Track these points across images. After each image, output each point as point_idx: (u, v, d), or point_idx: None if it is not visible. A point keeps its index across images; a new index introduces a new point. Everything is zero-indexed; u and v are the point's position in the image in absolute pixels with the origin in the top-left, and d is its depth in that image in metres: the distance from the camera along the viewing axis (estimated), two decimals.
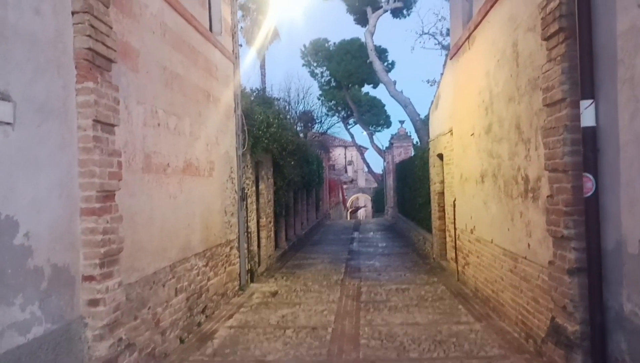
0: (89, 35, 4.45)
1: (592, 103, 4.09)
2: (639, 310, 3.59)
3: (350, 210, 51.76)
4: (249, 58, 16.12)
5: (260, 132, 11.27)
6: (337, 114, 39.54)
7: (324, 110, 37.56)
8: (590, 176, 4.11)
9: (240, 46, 10.55)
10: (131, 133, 5.48)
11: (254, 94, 12.67)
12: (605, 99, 4.01)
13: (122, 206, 4.98)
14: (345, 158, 58.30)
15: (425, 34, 24.58)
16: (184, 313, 6.85)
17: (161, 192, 6.28)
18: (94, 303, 4.46)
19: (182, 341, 6.69)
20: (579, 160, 4.30)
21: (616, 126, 3.86)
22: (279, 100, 14.90)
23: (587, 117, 4.11)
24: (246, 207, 10.39)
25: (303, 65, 37.64)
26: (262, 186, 12.34)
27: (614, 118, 3.88)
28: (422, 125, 22.88)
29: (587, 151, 4.15)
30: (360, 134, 48.70)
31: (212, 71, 8.68)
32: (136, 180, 5.57)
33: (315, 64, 37.37)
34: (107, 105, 4.69)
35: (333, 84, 36.83)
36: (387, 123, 40.79)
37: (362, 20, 28.43)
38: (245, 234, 10.28)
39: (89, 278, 4.45)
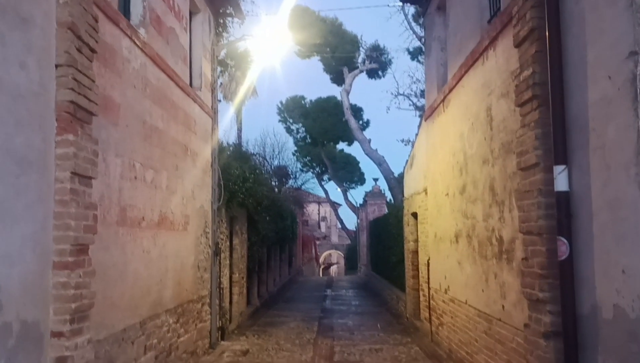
0: (72, 89, 4.47)
1: (565, 169, 4.21)
2: None
3: (323, 267, 51.37)
4: (226, 113, 16.28)
5: (236, 186, 11.27)
6: (311, 170, 39.75)
7: (299, 166, 37.79)
8: (565, 240, 4.18)
9: (219, 101, 10.67)
10: (108, 186, 5.43)
11: (231, 148, 12.73)
12: (578, 165, 4.14)
13: (95, 260, 4.89)
14: (319, 213, 58.27)
15: (400, 95, 25.15)
16: None
17: (135, 246, 6.19)
18: (61, 360, 4.30)
19: None
20: (553, 224, 4.38)
21: (589, 192, 3.96)
22: (255, 155, 14.97)
23: (561, 182, 4.22)
24: (219, 262, 10.27)
25: (279, 121, 38.05)
26: (236, 241, 12.24)
27: (587, 184, 3.99)
28: (396, 183, 23.14)
29: (561, 215, 4.23)
30: (334, 190, 48.87)
31: (191, 126, 8.73)
32: (111, 234, 5.50)
33: (291, 121, 37.79)
34: (86, 158, 4.67)
35: (308, 140, 37.18)
36: (361, 180, 41.07)
37: (338, 79, 29.07)
38: (218, 290, 10.12)
39: (58, 335, 4.31)
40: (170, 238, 7.51)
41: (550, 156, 4.43)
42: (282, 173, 31.15)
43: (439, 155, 9.63)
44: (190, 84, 8.91)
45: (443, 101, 9.13)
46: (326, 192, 43.89)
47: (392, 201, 24.85)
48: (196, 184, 8.94)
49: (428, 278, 10.75)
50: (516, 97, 5.06)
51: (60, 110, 4.43)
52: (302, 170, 38.50)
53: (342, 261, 51.56)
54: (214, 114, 10.15)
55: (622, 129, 3.54)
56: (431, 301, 10.45)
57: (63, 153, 4.42)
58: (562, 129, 4.27)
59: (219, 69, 11.93)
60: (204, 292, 9.27)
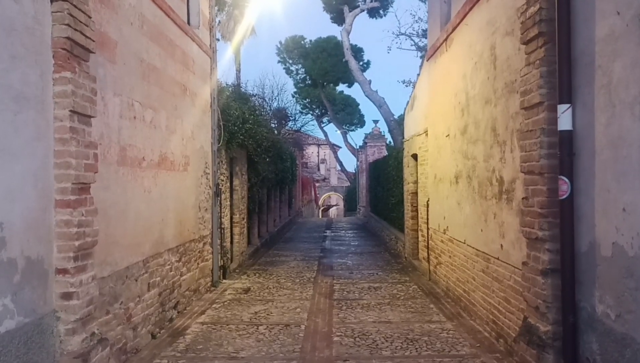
0: (68, 24, 4.38)
1: (569, 107, 4.17)
2: (611, 311, 3.67)
3: (322, 208, 51.80)
4: (225, 53, 16.03)
5: (236, 128, 11.21)
6: (311, 112, 39.56)
7: (299, 108, 37.57)
8: (566, 179, 4.18)
9: (217, 40, 10.48)
10: (107, 125, 5.40)
11: (230, 89, 12.59)
12: (582, 104, 4.09)
13: (96, 199, 4.91)
14: (319, 156, 58.32)
15: (402, 34, 24.76)
16: (156, 309, 6.77)
17: (136, 186, 6.20)
18: (67, 296, 4.38)
19: (154, 337, 6.62)
20: (555, 163, 4.38)
21: (592, 130, 3.94)
22: (254, 96, 14.82)
23: (564, 121, 4.19)
24: (220, 203, 10.33)
25: (278, 62, 37.60)
26: (236, 182, 12.28)
27: (591, 123, 3.96)
28: (396, 125, 23.04)
29: (564, 154, 4.22)
30: (334, 132, 48.80)
31: (189, 65, 8.60)
32: (111, 173, 5.49)
33: (290, 61, 37.32)
34: (85, 96, 4.62)
35: (308, 81, 36.85)
36: (361, 123, 40.96)
37: (338, 18, 28.48)
38: (219, 230, 10.23)
39: (63, 271, 4.37)
40: (171, 179, 7.53)
41: (554, 95, 4.38)
42: (282, 115, 30.94)
43: (441, 96, 9.53)
44: (188, 22, 8.72)
45: (446, 40, 8.97)
46: (326, 134, 43.85)
47: (392, 144, 24.82)
48: (195, 124, 8.88)
49: (427, 219, 10.84)
50: (522, 35, 4.95)
51: (56, 46, 4.35)
52: (301, 112, 38.36)
53: (341, 203, 51.97)
54: (212, 54, 9.99)
55: (629, 66, 3.48)
56: (430, 242, 10.58)
57: (61, 90, 4.37)
58: (567, 67, 4.20)
59: (216, 7, 11.65)
60: (205, 232, 9.37)
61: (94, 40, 4.83)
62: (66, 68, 4.39)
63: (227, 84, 12.84)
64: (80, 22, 4.58)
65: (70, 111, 4.40)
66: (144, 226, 6.46)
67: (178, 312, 7.68)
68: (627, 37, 3.50)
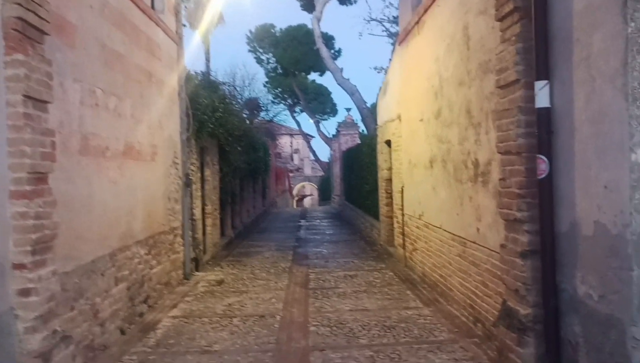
0: (19, 4, 4.11)
1: (547, 84, 4.04)
2: (593, 292, 3.57)
3: (296, 198, 51.60)
4: (193, 42, 15.63)
5: (206, 116, 10.93)
6: (283, 101, 39.22)
7: (271, 97, 37.20)
8: (544, 158, 4.06)
9: (184, 25, 10.17)
10: (67, 113, 5.12)
11: (199, 77, 12.27)
12: (560, 80, 3.97)
13: (58, 191, 4.68)
14: (292, 146, 58.01)
15: (373, 20, 24.50)
16: (124, 304, 6.53)
17: (101, 177, 5.94)
18: (25, 293, 4.14)
19: (123, 332, 6.38)
20: (532, 142, 4.25)
21: (571, 107, 3.81)
22: (224, 84, 14.49)
23: (542, 98, 4.06)
24: (191, 194, 10.08)
25: (249, 51, 37.06)
26: (207, 172, 12.01)
27: (569, 99, 3.83)
28: (369, 113, 22.90)
29: (542, 132, 4.10)
30: (306, 122, 48.49)
31: (155, 51, 8.31)
32: (73, 163, 5.23)
33: (261, 50, 36.85)
34: (39, 80, 4.35)
35: (279, 71, 36.44)
36: (334, 111, 40.77)
37: (308, 6, 28.11)
38: (190, 221, 9.97)
39: (20, 267, 4.12)
40: (138, 169, 7.26)
41: (531, 72, 4.25)
42: (254, 105, 30.58)
43: (413, 80, 9.40)
44: (152, 6, 8.42)
45: (418, 22, 8.82)
46: (298, 124, 43.61)
47: (365, 132, 24.68)
48: (163, 113, 8.60)
49: (402, 205, 10.74)
50: (496, 12, 4.80)
51: (7, 27, 4.09)
52: (273, 102, 37.99)
53: (315, 193, 51.82)
54: (179, 40, 9.69)
55: (608, 37, 3.35)
56: (405, 228, 10.48)
57: (13, 74, 4.10)
58: (544, 43, 4.07)
59: None
60: (175, 223, 9.11)
61: (48, 22, 4.56)
62: (18, 50, 4.12)
63: (196, 72, 12.52)
64: (34, 1, 4.30)
65: (24, 95, 4.14)
66: (111, 218, 6.20)
67: (149, 306, 7.44)
68: (606, 8, 3.38)
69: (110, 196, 6.18)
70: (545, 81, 4.05)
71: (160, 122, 8.42)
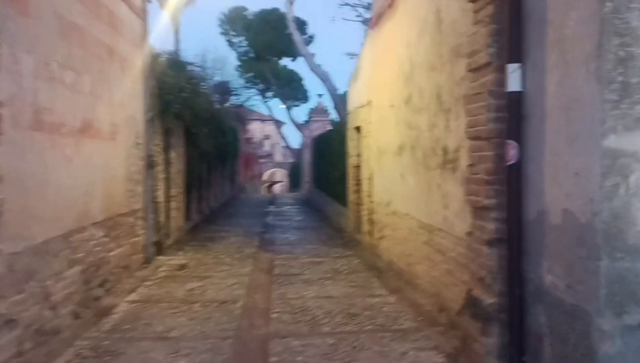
0: None
1: (519, 67, 3.91)
2: (560, 282, 3.47)
3: (266, 184, 51.31)
4: (162, 20, 15.22)
5: (172, 97, 10.60)
6: (255, 86, 38.74)
7: (242, 82, 36.69)
8: (514, 143, 3.95)
9: (149, 1, 9.81)
10: (18, 85, 4.84)
11: (166, 56, 11.91)
12: (533, 63, 3.84)
13: (6, 167, 4.43)
14: (263, 132, 57.58)
15: (346, 4, 24.22)
16: (79, 287, 6.27)
17: (55, 154, 5.65)
18: None
19: (77, 316, 6.12)
20: (503, 127, 4.13)
21: (543, 91, 3.69)
22: (192, 64, 14.13)
23: (513, 82, 3.93)
24: (154, 176, 9.79)
25: (221, 33, 36.49)
26: (172, 154, 11.70)
27: (542, 83, 3.71)
28: (341, 100, 22.72)
29: (512, 117, 3.98)
30: (278, 108, 48.10)
31: (118, 27, 7.97)
32: (25, 138, 4.96)
33: (233, 33, 36.30)
34: None
35: (251, 55, 36.00)
36: (305, 98, 40.47)
37: None
38: (153, 204, 9.69)
39: None
40: (97, 148, 6.97)
41: (503, 55, 4.11)
42: (224, 89, 30.11)
43: (385, 65, 9.25)
44: None
45: (391, 6, 8.66)
46: (270, 110, 43.23)
47: (337, 119, 24.52)
48: (125, 91, 8.28)
49: (370, 192, 10.63)
50: None
51: None
52: (245, 87, 37.48)
53: (286, 179, 51.59)
54: (144, 16, 9.34)
55: (583, 19, 3.23)
56: (373, 215, 10.38)
57: None
58: (517, 24, 3.93)
59: None
60: (137, 206, 8.83)
61: None
62: None
63: (163, 51, 12.15)
64: None
65: None
66: (66, 197, 5.93)
67: (106, 290, 7.18)
68: None
69: (65, 175, 5.90)
70: (518, 64, 3.93)
71: (122, 101, 8.11)
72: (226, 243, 11.98)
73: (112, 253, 7.48)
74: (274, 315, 6.35)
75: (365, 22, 22.82)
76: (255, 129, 54.08)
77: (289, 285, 7.83)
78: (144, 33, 9.36)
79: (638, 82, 3.05)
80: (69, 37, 6.08)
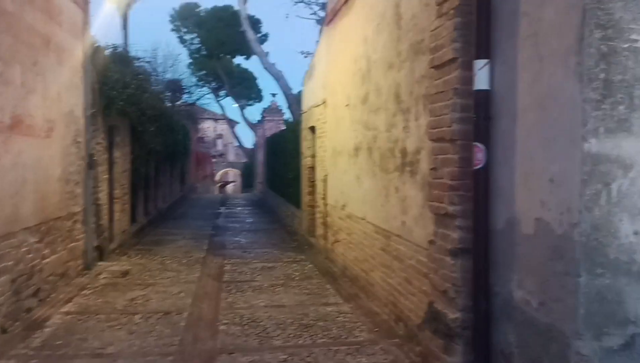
0: None
1: (487, 63, 3.63)
2: (532, 298, 3.18)
3: (219, 185, 50.42)
4: (106, 12, 14.54)
5: (115, 92, 9.98)
6: (207, 84, 37.91)
7: (194, 80, 35.81)
8: (481, 146, 3.65)
9: None
10: None
11: (110, 50, 11.28)
12: (503, 59, 3.55)
13: None
14: (215, 131, 56.59)
15: (300, 2, 23.84)
16: (7, 298, 5.70)
17: None
18: None
19: (4, 331, 5.56)
20: (469, 128, 3.84)
21: (514, 89, 3.40)
22: (140, 60, 13.47)
23: (481, 79, 3.64)
24: (95, 176, 9.18)
25: (172, 30, 35.55)
26: (117, 153, 11.07)
27: (513, 81, 3.42)
28: (295, 100, 22.34)
29: (479, 117, 3.68)
30: (231, 107, 47.25)
31: (55, 15, 7.38)
32: None
33: (185, 30, 35.42)
34: None
35: (204, 52, 35.16)
36: (259, 97, 39.89)
37: None
38: (94, 206, 9.09)
39: None
40: (29, 146, 6.39)
41: (469, 50, 3.83)
42: (175, 87, 29.29)
43: (340, 63, 8.92)
44: None
45: (347, 1, 8.33)
46: (223, 109, 42.44)
47: (291, 118, 24.11)
48: (63, 85, 7.69)
49: (325, 194, 10.29)
50: None
51: None
52: (197, 85, 36.62)
53: (238, 180, 50.83)
54: (84, 5, 8.74)
55: (562, 10, 2.95)
56: (327, 218, 10.04)
57: None
58: (486, 17, 3.64)
59: None
60: (76, 209, 8.22)
61: None
62: None
63: (107, 45, 11.50)
64: None
65: None
66: None
67: (39, 301, 6.61)
68: None
69: None
70: (486, 60, 3.64)
71: (60, 95, 7.52)
72: (174, 247, 11.43)
73: (46, 260, 6.89)
74: (222, 327, 5.92)
75: (320, 21, 22.49)
76: (208, 128, 53.17)
77: (239, 293, 7.41)
78: (85, 24, 8.76)
79: (622, 80, 2.78)
80: None
